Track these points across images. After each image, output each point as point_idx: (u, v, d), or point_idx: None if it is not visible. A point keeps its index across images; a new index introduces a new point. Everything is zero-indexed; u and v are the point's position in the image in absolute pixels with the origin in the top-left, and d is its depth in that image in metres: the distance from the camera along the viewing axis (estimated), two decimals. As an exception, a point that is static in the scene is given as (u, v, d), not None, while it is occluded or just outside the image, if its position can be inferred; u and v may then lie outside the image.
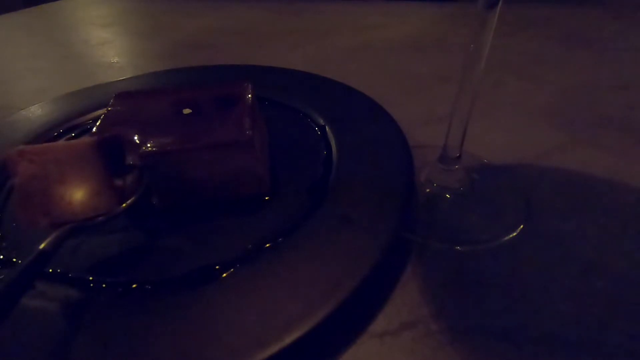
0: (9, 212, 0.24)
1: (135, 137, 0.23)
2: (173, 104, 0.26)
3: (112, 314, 0.17)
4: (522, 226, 0.22)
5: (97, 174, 0.21)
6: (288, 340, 0.15)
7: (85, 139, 0.22)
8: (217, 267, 0.19)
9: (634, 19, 0.53)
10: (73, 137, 0.31)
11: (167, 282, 0.19)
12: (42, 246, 0.17)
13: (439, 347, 0.17)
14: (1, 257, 0.21)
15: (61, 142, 0.22)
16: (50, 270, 0.20)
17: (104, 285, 0.19)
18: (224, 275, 0.18)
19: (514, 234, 0.22)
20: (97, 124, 0.25)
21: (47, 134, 0.31)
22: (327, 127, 0.29)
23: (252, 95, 0.26)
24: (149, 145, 0.22)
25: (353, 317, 0.18)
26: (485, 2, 0.18)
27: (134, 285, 0.19)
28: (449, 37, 0.51)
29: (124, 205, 0.21)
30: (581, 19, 0.54)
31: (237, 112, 0.24)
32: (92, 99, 0.35)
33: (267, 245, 0.20)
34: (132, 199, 0.21)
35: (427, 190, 0.25)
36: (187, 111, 0.25)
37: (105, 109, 0.26)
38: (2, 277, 0.20)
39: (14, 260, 0.21)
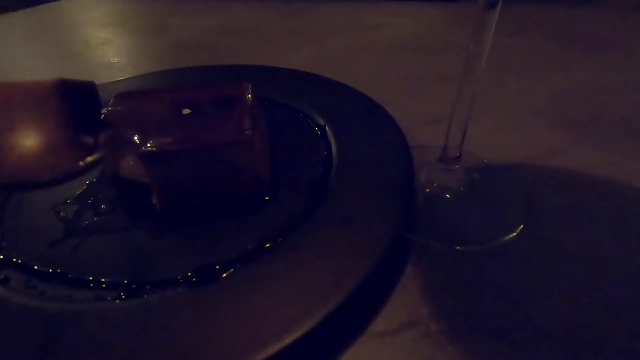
0: (9, 212, 0.24)
1: (135, 137, 0.23)
2: (173, 104, 0.25)
3: (112, 314, 0.17)
4: (522, 226, 0.22)
5: (59, 124, 0.17)
6: (288, 340, 0.15)
7: (49, 80, 0.18)
8: (217, 267, 0.19)
9: (634, 18, 0.53)
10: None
11: (167, 282, 0.19)
12: None
13: (439, 347, 0.17)
14: (1, 257, 0.21)
15: (15, 80, 0.17)
16: (51, 270, 0.20)
17: (104, 286, 0.19)
18: (224, 275, 0.18)
19: (514, 234, 0.22)
20: (97, 124, 0.25)
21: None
22: (327, 127, 0.29)
23: (252, 95, 0.26)
24: (149, 145, 0.22)
25: (353, 317, 0.18)
26: (485, 2, 0.18)
27: (134, 286, 0.19)
28: (449, 37, 0.51)
29: (81, 163, 0.17)
30: (581, 19, 0.54)
31: (237, 112, 0.24)
32: (92, 99, 0.35)
33: (267, 245, 0.20)
34: (94, 156, 0.18)
35: (427, 190, 0.25)
36: (187, 111, 0.25)
37: (105, 109, 0.26)
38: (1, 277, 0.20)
39: (14, 260, 0.21)
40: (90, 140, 0.18)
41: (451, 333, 0.17)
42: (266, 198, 0.24)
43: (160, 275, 0.19)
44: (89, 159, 0.18)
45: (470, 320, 0.18)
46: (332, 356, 0.17)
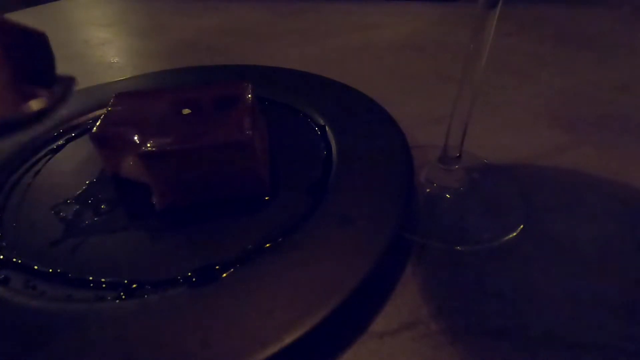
0: (9, 212, 0.24)
1: (135, 137, 0.23)
2: (173, 104, 0.26)
3: (112, 314, 0.17)
4: (522, 226, 0.22)
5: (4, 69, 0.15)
6: (288, 340, 0.15)
7: None
8: (217, 267, 0.19)
9: (634, 18, 0.53)
10: (73, 137, 0.31)
11: (167, 282, 0.19)
12: None
13: (439, 347, 0.17)
14: (1, 257, 0.21)
15: None
16: (51, 270, 0.20)
17: (104, 286, 0.19)
18: (224, 275, 0.18)
19: (514, 234, 0.22)
20: (97, 124, 0.25)
21: (47, 134, 0.31)
22: (327, 127, 0.29)
23: (252, 95, 0.26)
24: (149, 145, 0.22)
25: (353, 317, 0.18)
26: (485, 2, 0.18)
27: (134, 285, 0.19)
28: (449, 37, 0.51)
29: (22, 112, 0.15)
30: (581, 19, 0.54)
31: (237, 112, 0.24)
32: (92, 99, 0.35)
33: (267, 245, 0.20)
34: (38, 103, 0.16)
35: (427, 190, 0.25)
36: (187, 111, 0.25)
37: (105, 109, 0.26)
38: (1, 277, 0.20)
39: (14, 260, 0.21)
40: (39, 92, 0.16)
41: (451, 333, 0.17)
42: (266, 198, 0.24)
43: (160, 275, 0.19)
44: (32, 106, 0.16)
45: (470, 320, 0.18)
46: (332, 356, 0.17)
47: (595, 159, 0.27)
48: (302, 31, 0.56)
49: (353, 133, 0.28)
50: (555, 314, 0.18)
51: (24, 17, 0.70)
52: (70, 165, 0.28)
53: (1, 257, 0.21)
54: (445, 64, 0.44)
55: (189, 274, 0.19)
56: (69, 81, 0.18)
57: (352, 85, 0.34)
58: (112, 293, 0.18)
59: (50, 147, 0.30)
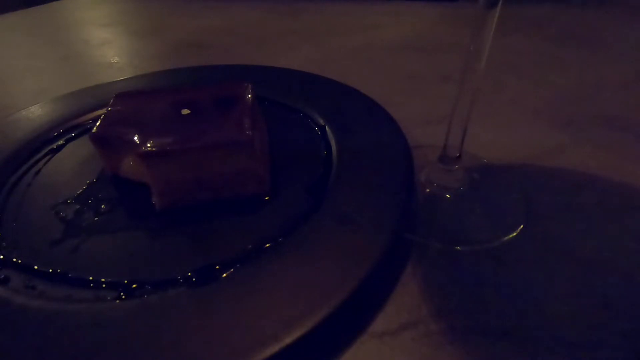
0: (9, 212, 0.24)
1: (135, 137, 0.23)
2: (173, 104, 0.26)
3: (112, 314, 0.17)
4: (522, 226, 0.22)
5: None
6: (288, 340, 0.15)
7: None
8: (217, 267, 0.19)
9: (634, 19, 0.53)
10: (73, 137, 0.31)
11: (167, 282, 0.19)
12: None
13: (439, 347, 0.17)
14: (1, 257, 0.21)
15: None
16: (50, 270, 0.20)
17: (104, 286, 0.19)
18: (224, 275, 0.18)
19: (514, 234, 0.22)
20: (97, 123, 0.25)
21: (47, 134, 0.31)
22: (327, 127, 0.29)
23: (252, 95, 0.26)
24: (149, 145, 0.22)
25: (353, 317, 0.18)
26: (485, 2, 0.18)
27: (134, 285, 0.19)
28: (449, 37, 0.51)
29: None
30: (581, 19, 0.54)
31: (237, 112, 0.24)
32: (92, 99, 0.35)
33: (267, 245, 0.20)
34: None
35: (427, 190, 0.25)
36: (186, 111, 0.25)
37: (105, 109, 0.26)
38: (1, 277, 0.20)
39: (14, 260, 0.21)
40: None
41: (451, 333, 0.17)
42: (266, 198, 0.24)
43: (160, 275, 0.19)
44: None
45: (470, 320, 0.18)
46: (332, 356, 0.17)
47: (595, 158, 0.27)
48: (302, 31, 0.56)
49: (353, 133, 0.28)
50: (555, 314, 0.18)
51: (24, 17, 0.70)
52: (70, 165, 0.28)
53: (1, 257, 0.21)
54: (445, 64, 0.44)
55: (189, 274, 0.19)
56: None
57: (352, 85, 0.34)
58: (112, 293, 0.18)
59: (50, 147, 0.30)
